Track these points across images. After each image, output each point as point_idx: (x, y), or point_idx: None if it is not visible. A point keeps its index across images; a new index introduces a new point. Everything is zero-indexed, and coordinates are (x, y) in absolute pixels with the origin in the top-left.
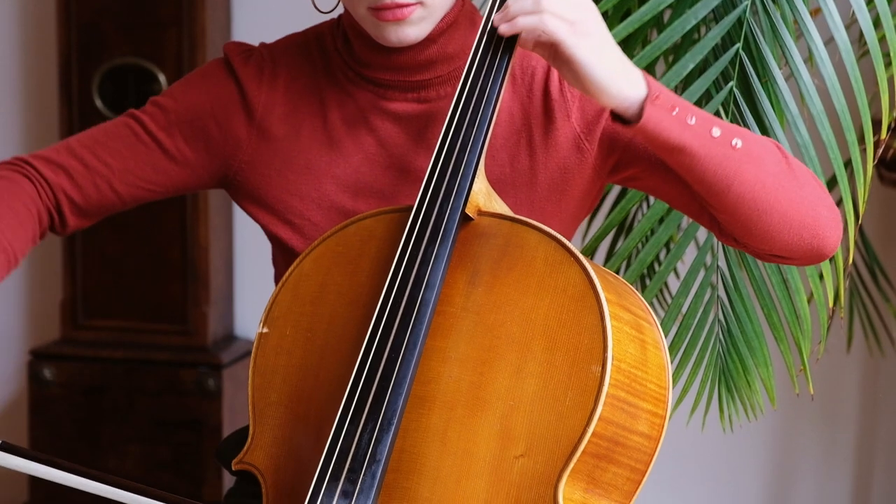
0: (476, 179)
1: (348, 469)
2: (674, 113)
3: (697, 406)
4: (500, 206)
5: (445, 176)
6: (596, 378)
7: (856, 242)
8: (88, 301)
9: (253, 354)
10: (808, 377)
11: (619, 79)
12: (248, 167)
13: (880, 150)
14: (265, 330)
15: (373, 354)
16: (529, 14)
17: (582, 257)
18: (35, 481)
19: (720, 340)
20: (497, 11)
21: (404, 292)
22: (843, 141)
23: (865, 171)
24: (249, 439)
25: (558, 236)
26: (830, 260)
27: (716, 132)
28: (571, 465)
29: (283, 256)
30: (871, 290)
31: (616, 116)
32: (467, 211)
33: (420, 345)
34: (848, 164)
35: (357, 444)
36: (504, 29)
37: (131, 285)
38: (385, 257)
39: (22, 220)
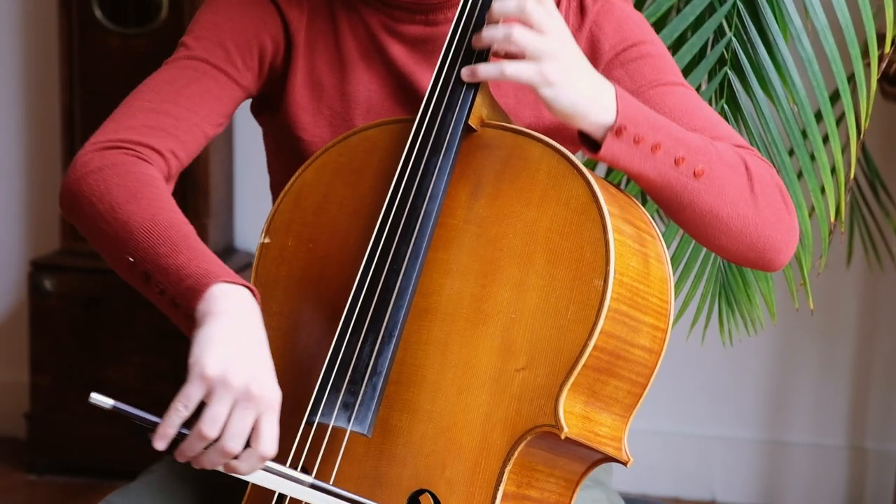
0: (479, 91)
1: (349, 381)
2: (637, 144)
3: (697, 320)
4: (506, 119)
5: (448, 86)
6: (598, 292)
7: (857, 157)
8: None
9: (254, 265)
10: (809, 292)
11: (588, 106)
12: (279, 78)
13: (884, 65)
14: (267, 240)
15: (374, 266)
16: (491, 64)
17: (585, 170)
18: (36, 393)
19: None
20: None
21: (406, 204)
22: (846, 55)
23: (868, 86)
24: None
25: (562, 149)
26: (832, 174)
27: (680, 161)
28: (572, 378)
29: (282, 165)
30: (872, 205)
31: (582, 136)
32: (470, 122)
33: (422, 257)
34: (851, 78)
35: (358, 355)
36: (465, 75)
37: None
38: (388, 168)
39: (169, 197)
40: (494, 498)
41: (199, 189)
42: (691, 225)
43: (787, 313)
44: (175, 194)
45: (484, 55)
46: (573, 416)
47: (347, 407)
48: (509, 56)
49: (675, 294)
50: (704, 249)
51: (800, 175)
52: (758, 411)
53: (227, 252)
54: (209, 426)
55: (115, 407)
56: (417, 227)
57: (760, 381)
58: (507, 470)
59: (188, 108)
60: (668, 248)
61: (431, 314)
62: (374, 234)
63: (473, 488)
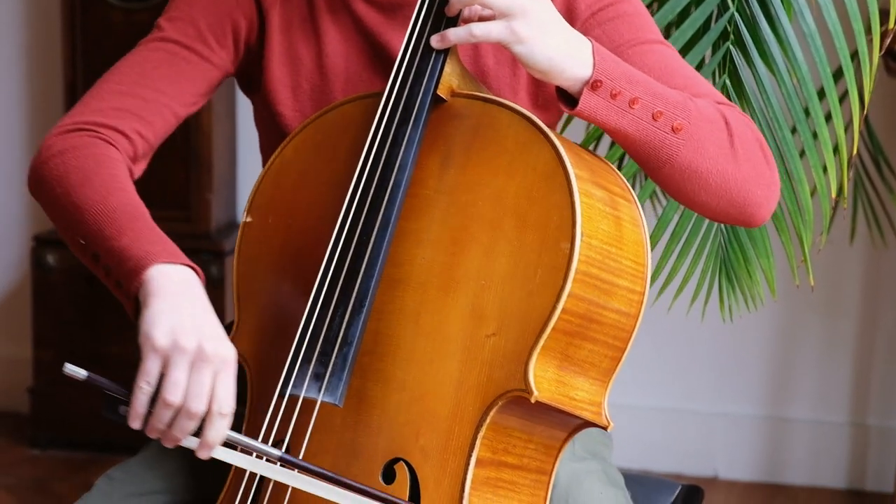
0: (448, 60)
1: (319, 351)
2: (614, 99)
3: (698, 296)
4: (476, 88)
5: (417, 56)
6: (565, 255)
7: (861, 133)
8: None
9: (237, 244)
10: (809, 268)
11: (564, 61)
12: (256, 56)
13: (887, 41)
14: (249, 219)
15: (344, 237)
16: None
17: (553, 135)
18: (38, 368)
19: (721, 231)
20: None
21: (375, 174)
22: (849, 31)
23: (872, 62)
24: (234, 328)
25: (530, 115)
26: (834, 151)
27: (658, 116)
28: (542, 342)
29: (269, 143)
30: (876, 182)
31: (560, 92)
32: (440, 92)
33: (392, 226)
34: (854, 54)
35: (328, 326)
36: (435, 42)
37: None
38: (362, 142)
39: (127, 181)
40: (468, 464)
41: (201, 165)
42: (670, 181)
43: (790, 290)
44: (178, 170)
45: (454, 22)
46: (545, 381)
47: (318, 377)
48: (483, 20)
49: (675, 270)
50: (705, 226)
51: (802, 152)
52: (760, 388)
53: (229, 227)
54: (171, 391)
55: (88, 378)
56: (387, 198)
57: (763, 358)
58: (479, 436)
59: (157, 90)
60: (668, 224)
61: (404, 284)
62: (345, 206)
63: (447, 455)
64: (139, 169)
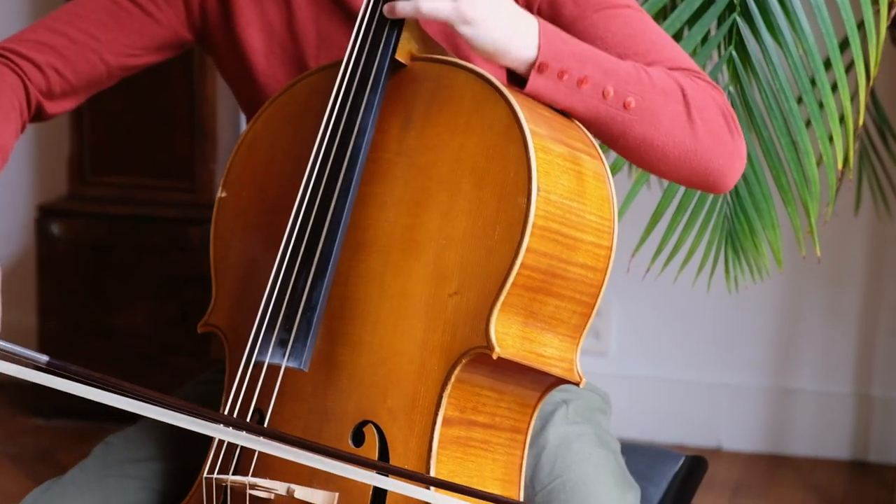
0: (407, 26)
1: (283, 317)
2: (561, 79)
3: (703, 267)
4: (438, 51)
5: (373, 23)
6: (522, 209)
7: (867, 105)
8: (95, 157)
9: (213, 219)
10: (815, 239)
11: (509, 42)
12: (222, 24)
13: (894, 12)
14: (223, 194)
15: (306, 202)
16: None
17: (509, 93)
18: (43, 343)
19: (727, 202)
20: None
21: (335, 140)
22: (856, 1)
23: (878, 33)
24: (212, 302)
25: (486, 74)
26: (840, 121)
27: (607, 93)
28: (502, 298)
29: (250, 113)
30: (881, 153)
31: (510, 73)
32: (399, 57)
33: (353, 191)
34: (860, 25)
35: (292, 291)
36: (386, 11)
37: (138, 142)
38: (326, 110)
39: (6, 112)
40: (434, 424)
41: (205, 135)
42: (627, 153)
43: (795, 261)
44: (182, 141)
45: None
46: (508, 337)
47: (283, 343)
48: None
49: (682, 241)
50: (711, 198)
51: (808, 123)
52: (764, 358)
53: None
54: None
55: None
56: (346, 162)
57: (767, 329)
58: (445, 395)
59: (88, 33)
60: (674, 195)
61: (368, 248)
62: (307, 172)
63: (414, 415)
64: (58, 107)
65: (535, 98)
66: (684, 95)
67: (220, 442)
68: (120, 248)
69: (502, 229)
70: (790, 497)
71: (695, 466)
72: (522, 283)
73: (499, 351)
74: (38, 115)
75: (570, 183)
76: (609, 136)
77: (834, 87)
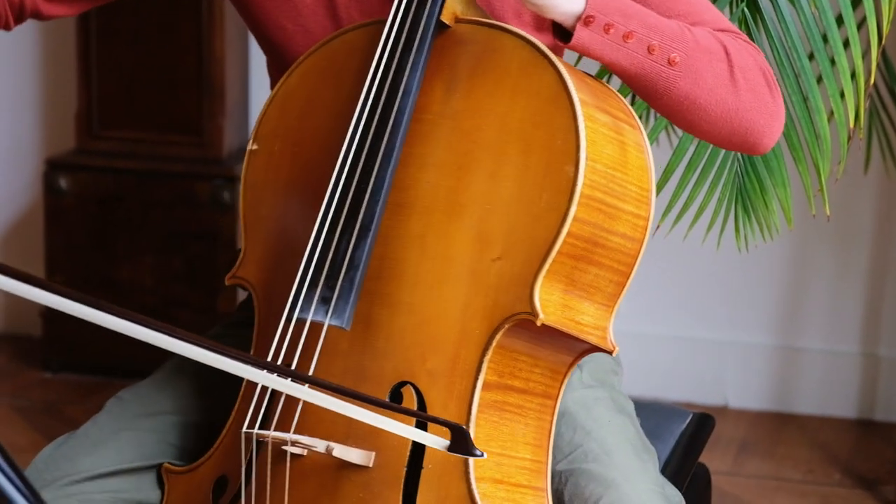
0: None
1: (326, 275)
2: (608, 33)
3: (713, 225)
4: (480, 14)
5: None
6: (570, 178)
7: (878, 63)
8: (103, 112)
9: (243, 171)
10: (825, 198)
11: None
12: None
13: None
14: (254, 147)
15: (349, 162)
16: None
17: (557, 60)
18: (49, 316)
19: (738, 160)
20: None
21: (380, 100)
22: None
23: None
24: (241, 254)
25: (534, 40)
26: (852, 77)
27: (653, 49)
28: (547, 265)
29: (276, 65)
30: (891, 112)
31: (556, 26)
32: (443, 18)
33: (396, 151)
34: None
35: (335, 250)
36: None
37: (146, 96)
38: (366, 69)
39: None
40: (474, 387)
41: (213, 90)
42: (669, 112)
43: (803, 220)
44: (190, 95)
45: None
46: (551, 304)
47: (325, 301)
48: None
49: (692, 199)
50: (721, 155)
51: (819, 79)
52: (772, 317)
53: (241, 153)
54: None
55: None
56: (391, 123)
57: (775, 287)
58: (486, 359)
59: None
60: (684, 153)
61: (409, 208)
62: (350, 132)
63: (454, 378)
64: (54, 9)
65: (582, 51)
66: (727, 54)
67: (260, 396)
68: (127, 202)
69: (549, 197)
70: (796, 455)
71: (702, 424)
72: (567, 252)
73: (543, 318)
74: (34, 14)
75: (613, 152)
76: (653, 93)
77: (846, 45)
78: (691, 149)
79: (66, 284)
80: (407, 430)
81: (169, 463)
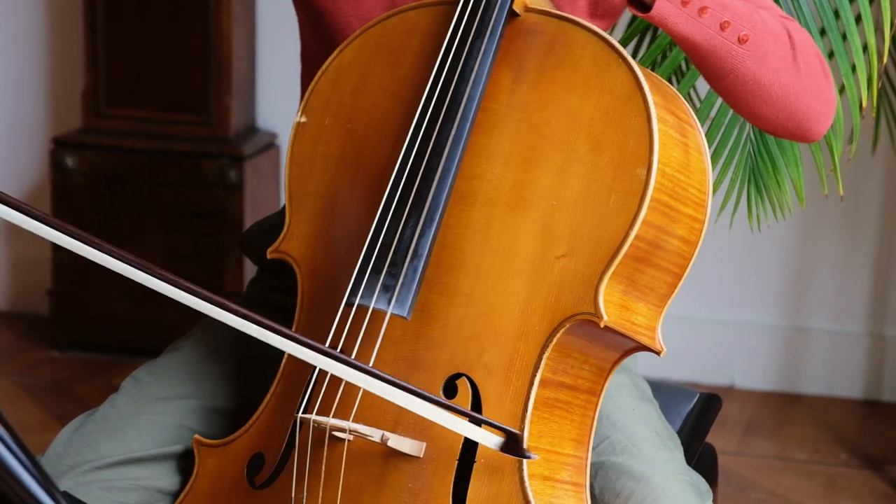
0: None
1: (390, 263)
2: (685, 6)
3: (726, 205)
4: (547, 4)
5: None
6: (641, 181)
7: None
8: (110, 90)
9: (290, 143)
10: (838, 177)
11: None
12: None
13: None
14: (303, 119)
15: (416, 149)
16: None
17: (630, 58)
18: (58, 270)
19: (751, 140)
20: None
21: (449, 87)
22: None
23: None
24: (286, 228)
25: (607, 36)
26: (864, 50)
27: (725, 25)
28: (613, 267)
29: (315, 33)
30: None
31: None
32: (514, 7)
33: (464, 140)
34: None
35: (399, 238)
36: None
37: (153, 75)
38: (429, 51)
39: None
40: (532, 384)
41: (220, 68)
42: (732, 92)
43: (811, 200)
44: (197, 74)
45: None
46: (612, 305)
47: (388, 289)
48: None
49: None
50: (734, 135)
51: (831, 55)
52: (779, 297)
53: (248, 132)
54: None
55: None
56: (461, 111)
57: (782, 268)
58: (545, 357)
59: None
60: None
61: (472, 198)
62: (417, 117)
63: (511, 374)
64: None
65: (660, 23)
66: (791, 38)
67: (318, 381)
68: (134, 181)
69: (618, 198)
70: (802, 435)
71: (709, 404)
72: (632, 254)
73: (606, 320)
74: None
75: (679, 155)
76: (720, 71)
77: (857, 20)
78: (704, 128)
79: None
80: (466, 428)
81: (199, 436)
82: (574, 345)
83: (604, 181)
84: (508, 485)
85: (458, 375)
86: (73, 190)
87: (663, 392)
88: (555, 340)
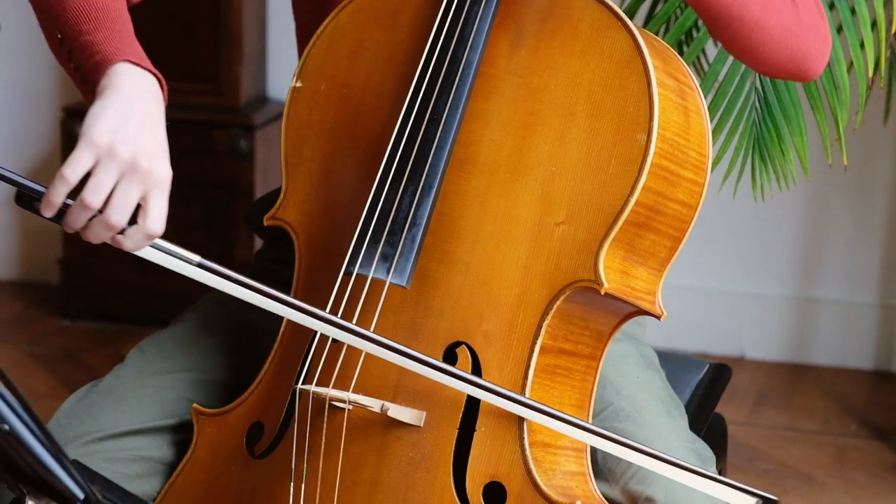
0: None
1: (388, 232)
2: None
3: (730, 174)
4: None
5: None
6: (641, 147)
7: None
8: None
9: (286, 109)
10: (843, 147)
11: None
12: None
13: None
14: (299, 84)
15: (414, 116)
16: None
17: (629, 22)
18: (69, 239)
19: (756, 108)
20: None
21: (447, 53)
22: None
23: None
24: (282, 195)
25: (606, 0)
26: (872, 27)
27: None
28: (613, 233)
29: (311, 8)
30: None
31: None
32: None
33: (462, 107)
34: None
35: (397, 206)
36: None
37: (164, 45)
38: (426, 15)
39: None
40: (532, 351)
41: (231, 38)
42: (737, 38)
43: (821, 170)
44: (207, 44)
45: None
46: (612, 271)
47: (386, 258)
48: None
49: None
50: (739, 104)
51: (839, 29)
52: (789, 268)
53: (258, 101)
54: (92, 194)
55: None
56: (458, 77)
57: (792, 238)
58: (545, 324)
59: None
60: None
61: (471, 165)
62: (414, 83)
63: (511, 341)
64: None
65: None
66: None
67: (318, 351)
68: None
69: (618, 164)
70: (812, 406)
71: (719, 374)
72: (632, 220)
73: (606, 286)
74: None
75: (679, 119)
76: (726, 19)
77: None
78: (709, 97)
79: None
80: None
81: (198, 405)
82: (574, 311)
83: (603, 147)
84: (510, 452)
85: (458, 343)
86: None
87: (673, 362)
88: (555, 307)
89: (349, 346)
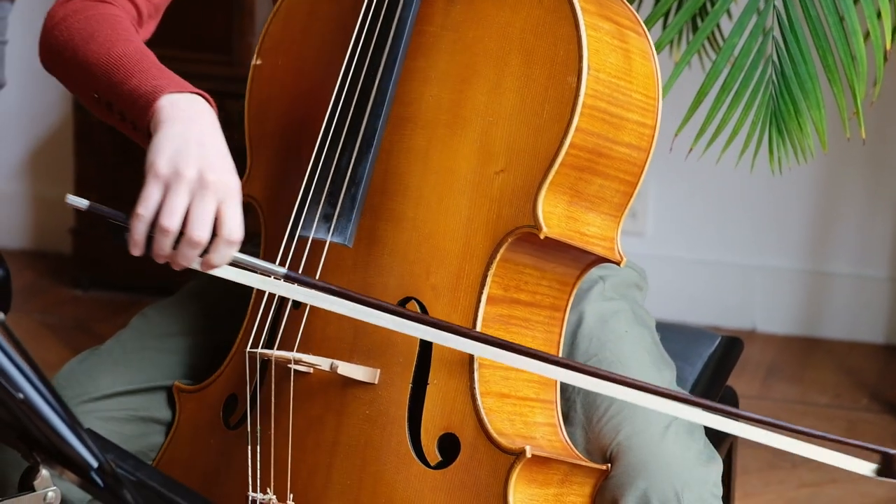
0: None
1: (327, 192)
2: None
3: (747, 148)
4: None
5: None
6: (572, 89)
7: None
8: None
9: (248, 87)
10: (861, 120)
11: None
12: None
13: None
14: (259, 62)
15: (351, 76)
16: None
17: None
18: (80, 215)
19: (773, 82)
20: None
21: (381, 11)
22: None
23: None
24: (247, 171)
25: None
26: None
27: None
28: (549, 178)
29: None
30: None
31: None
32: None
33: (398, 64)
34: None
35: (336, 167)
36: None
37: (176, 14)
38: None
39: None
40: (479, 302)
41: (243, 7)
42: None
43: (834, 144)
44: (220, 14)
45: None
46: (554, 217)
47: (327, 218)
48: None
49: (725, 121)
50: (756, 77)
51: (856, 0)
52: (801, 241)
53: None
54: (167, 218)
55: (90, 207)
56: (392, 35)
57: (804, 211)
58: (490, 273)
59: None
60: (718, 76)
61: (412, 123)
62: (351, 45)
63: (458, 293)
64: (147, 31)
65: None
66: None
67: (264, 314)
68: None
69: (551, 108)
70: (823, 379)
71: (730, 347)
72: (570, 163)
73: (546, 231)
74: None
75: (617, 61)
76: None
77: None
78: (725, 71)
79: (95, 201)
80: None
81: (179, 382)
82: (524, 260)
83: (537, 93)
84: (462, 403)
85: (408, 299)
86: (95, 129)
87: (685, 335)
88: (499, 256)
89: (298, 307)
